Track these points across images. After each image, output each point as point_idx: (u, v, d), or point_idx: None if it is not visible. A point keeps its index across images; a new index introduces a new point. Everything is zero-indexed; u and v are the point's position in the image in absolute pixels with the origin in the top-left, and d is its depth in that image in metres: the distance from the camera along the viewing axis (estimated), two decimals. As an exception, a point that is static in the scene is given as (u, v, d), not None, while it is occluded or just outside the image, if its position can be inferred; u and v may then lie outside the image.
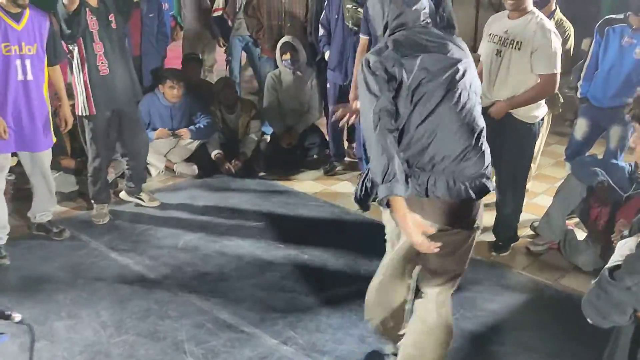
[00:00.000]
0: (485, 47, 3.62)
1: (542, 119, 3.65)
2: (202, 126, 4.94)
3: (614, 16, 4.09)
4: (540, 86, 3.43)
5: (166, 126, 4.92)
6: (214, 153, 5.04)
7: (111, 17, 3.83)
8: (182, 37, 6.27)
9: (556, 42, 3.36)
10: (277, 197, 4.66)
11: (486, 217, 4.01)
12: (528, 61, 3.39)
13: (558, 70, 3.40)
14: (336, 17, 4.67)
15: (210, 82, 5.87)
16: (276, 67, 5.27)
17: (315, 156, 5.35)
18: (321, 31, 4.91)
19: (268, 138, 5.38)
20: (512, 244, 3.91)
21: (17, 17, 3.33)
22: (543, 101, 3.59)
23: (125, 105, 4.00)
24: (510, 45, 3.44)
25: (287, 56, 5.06)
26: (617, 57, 4.01)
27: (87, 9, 3.72)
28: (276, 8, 5.30)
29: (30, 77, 3.42)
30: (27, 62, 3.39)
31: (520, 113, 3.51)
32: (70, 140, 4.40)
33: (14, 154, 3.71)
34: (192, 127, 4.93)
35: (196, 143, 5.01)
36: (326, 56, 4.90)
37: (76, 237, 3.90)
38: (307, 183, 4.95)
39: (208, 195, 4.67)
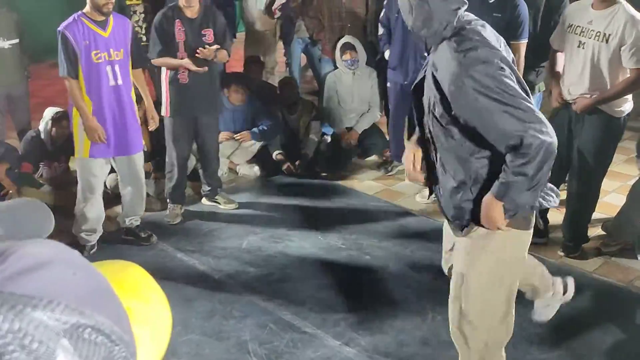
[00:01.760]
0: (565, 39, 3.48)
1: (628, 114, 3.49)
2: (264, 128, 5.00)
3: None
4: (631, 80, 3.28)
5: (229, 129, 5.00)
6: (276, 154, 5.10)
7: (205, 32, 3.94)
8: (244, 40, 6.36)
9: None
10: (338, 197, 4.66)
11: (555, 216, 3.94)
12: (615, 54, 3.24)
13: None
14: (396, 15, 4.62)
15: (272, 84, 5.92)
16: (336, 67, 5.27)
17: (375, 156, 5.33)
18: (381, 30, 4.87)
19: (328, 138, 5.39)
20: (582, 245, 3.77)
21: (103, 25, 3.47)
22: (630, 95, 3.43)
23: (202, 114, 4.12)
24: (596, 38, 3.29)
25: (347, 56, 5.06)
26: None
27: (178, 20, 3.87)
28: (337, 8, 5.31)
29: (120, 81, 3.55)
30: (117, 68, 3.52)
31: (607, 106, 3.37)
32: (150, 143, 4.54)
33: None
34: (254, 129, 5.00)
35: (258, 145, 5.07)
36: (386, 55, 4.86)
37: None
38: (368, 183, 4.94)
39: (270, 196, 4.72)
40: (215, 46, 3.92)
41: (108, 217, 4.23)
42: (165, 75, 4.06)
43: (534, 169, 1.93)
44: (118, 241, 3.95)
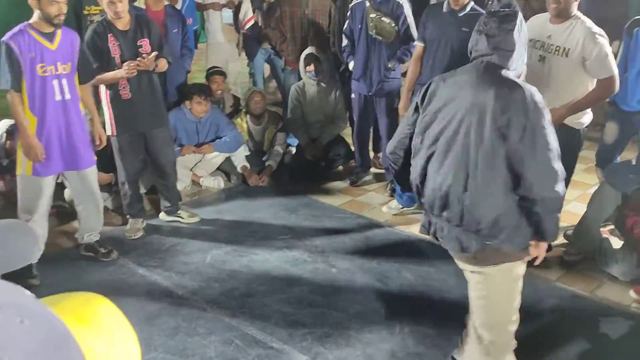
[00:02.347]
0: (528, 54, 3.52)
1: (587, 126, 3.56)
2: (227, 140, 4.94)
3: None
4: (600, 89, 3.36)
5: (193, 141, 4.93)
6: (240, 166, 5.04)
7: (141, 42, 3.83)
8: (206, 51, 6.30)
9: (606, 44, 3.28)
10: (303, 209, 4.63)
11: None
12: (575, 68, 3.31)
13: (616, 70, 3.33)
14: (359, 26, 4.64)
15: (235, 95, 5.88)
16: (300, 78, 5.25)
17: (341, 167, 5.32)
18: (345, 41, 4.88)
19: (293, 150, 5.37)
20: (545, 254, 3.81)
21: (50, 37, 3.33)
22: (590, 108, 3.50)
23: (149, 128, 4.01)
24: (556, 52, 3.35)
25: (311, 67, 5.04)
26: None
27: (111, 34, 3.75)
28: (299, 20, 5.30)
29: (68, 96, 3.42)
30: (64, 82, 3.39)
31: (568, 118, 3.43)
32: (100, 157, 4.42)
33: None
34: (217, 140, 4.93)
35: (222, 157, 5.01)
36: (350, 66, 4.87)
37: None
38: (334, 195, 4.91)
39: (234, 208, 4.66)
40: (154, 53, 3.82)
41: (66, 232, 4.12)
42: (105, 93, 3.90)
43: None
44: (77, 257, 3.83)
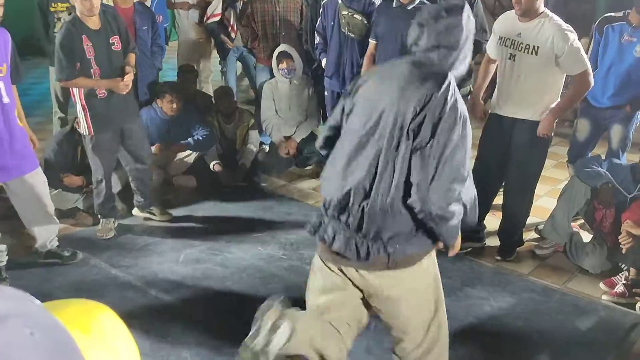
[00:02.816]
0: (497, 51, 3.57)
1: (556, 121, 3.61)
2: (199, 138, 4.89)
3: (612, 14, 4.06)
4: (578, 85, 3.40)
5: (164, 140, 4.87)
6: (213, 164, 5.00)
7: (113, 39, 3.77)
8: (177, 49, 6.23)
9: (576, 38, 3.33)
10: (277, 207, 4.61)
11: (491, 221, 4.03)
12: (546, 66, 3.34)
13: (589, 64, 3.38)
14: (332, 23, 4.64)
15: (207, 93, 5.82)
16: (272, 76, 5.23)
17: (314, 165, 5.31)
18: (317, 39, 4.88)
19: (267, 148, 5.34)
20: (517, 249, 3.87)
21: None
22: (572, 106, 3.58)
23: (125, 124, 3.96)
24: (526, 50, 3.37)
25: (284, 65, 5.02)
26: (616, 56, 3.98)
27: (84, 35, 3.64)
28: (271, 17, 5.27)
29: (6, 99, 3.22)
30: (1, 85, 3.19)
31: (535, 115, 3.46)
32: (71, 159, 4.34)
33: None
34: (189, 139, 4.89)
35: (194, 155, 4.97)
36: (323, 64, 4.86)
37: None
38: (307, 192, 4.91)
39: (207, 207, 4.62)
40: (130, 70, 3.81)
41: (27, 234, 4.02)
42: (79, 92, 3.78)
43: None
44: (43, 264, 3.71)
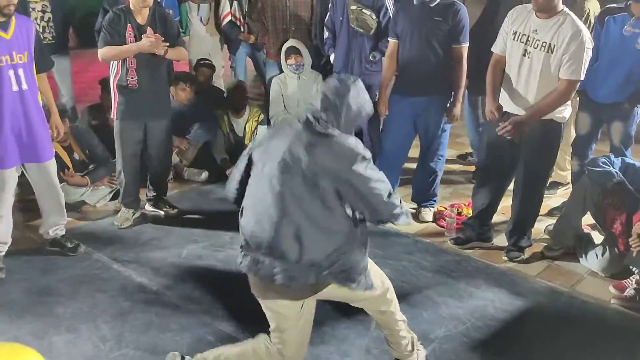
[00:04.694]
0: (510, 46, 3.46)
1: (567, 120, 3.52)
2: (199, 130, 5.04)
3: (614, 5, 3.95)
4: (561, 92, 3.27)
5: (175, 128, 4.88)
6: (221, 159, 4.99)
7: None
8: (189, 43, 6.21)
9: (589, 47, 3.22)
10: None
11: (500, 222, 3.95)
12: (558, 66, 3.24)
13: (582, 77, 3.27)
14: (341, 19, 4.58)
15: (219, 87, 5.82)
16: (282, 71, 5.18)
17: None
18: (326, 34, 4.83)
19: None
20: (525, 249, 3.78)
21: (4, 26, 3.23)
22: (569, 101, 3.44)
23: (151, 120, 4.03)
24: (542, 48, 3.27)
25: (292, 60, 4.98)
26: (618, 48, 3.86)
27: (129, 24, 3.75)
28: (281, 12, 5.22)
29: (25, 86, 3.32)
30: (21, 72, 3.30)
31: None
32: (68, 154, 4.36)
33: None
34: (191, 133, 5.03)
35: (198, 146, 5.10)
36: (331, 59, 4.81)
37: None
38: (315, 189, 4.85)
39: (213, 202, 4.59)
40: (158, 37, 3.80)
41: (31, 227, 4.03)
42: (114, 80, 3.92)
43: None
44: (49, 252, 3.74)
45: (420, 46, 3.92)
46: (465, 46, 3.95)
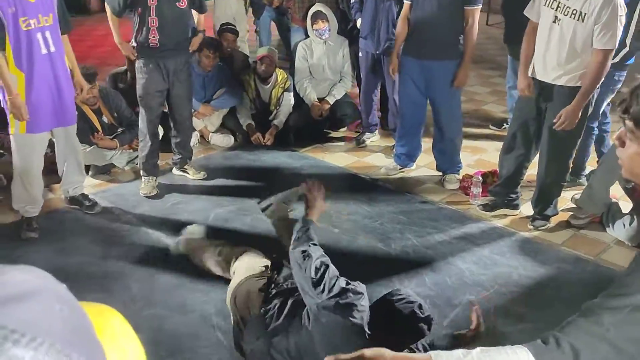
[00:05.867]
0: (541, 12, 3.38)
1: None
2: (224, 97, 5.01)
3: None
4: (597, 64, 3.18)
5: (199, 95, 4.92)
6: (245, 124, 5.01)
7: None
8: (214, 8, 6.19)
9: (622, 14, 3.12)
10: (308, 169, 4.59)
11: (527, 191, 3.93)
12: (589, 34, 3.17)
13: (616, 46, 3.19)
14: (368, -17, 4.52)
15: (244, 52, 5.81)
16: (307, 36, 5.15)
17: (346, 127, 5.26)
18: (353, -2, 4.77)
19: (300, 109, 5.29)
20: (551, 217, 3.77)
21: None
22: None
23: (174, 80, 4.00)
24: (572, 15, 3.19)
25: (318, 25, 4.93)
26: None
27: None
28: (307, -25, 5.17)
29: (53, 48, 3.35)
30: (48, 34, 3.32)
31: (574, 81, 3.30)
32: (97, 117, 4.40)
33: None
34: (212, 102, 5.02)
35: (224, 111, 5.11)
36: (358, 24, 4.76)
37: (109, 210, 3.92)
38: (339, 155, 4.86)
39: (240, 167, 4.63)
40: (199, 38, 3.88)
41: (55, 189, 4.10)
42: (134, 36, 3.89)
43: None
44: (80, 216, 3.83)
45: (432, 7, 3.87)
46: (477, 8, 3.91)
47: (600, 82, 3.27)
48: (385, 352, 1.15)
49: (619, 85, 3.84)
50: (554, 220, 3.79)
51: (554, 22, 3.28)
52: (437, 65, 4.00)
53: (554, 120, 3.35)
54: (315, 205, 2.44)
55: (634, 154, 1.15)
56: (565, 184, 3.77)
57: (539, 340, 1.15)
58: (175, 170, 4.43)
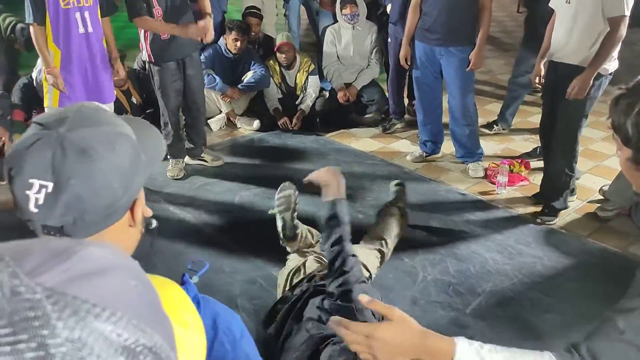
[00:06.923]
0: None
1: (611, 74, 3.37)
2: (252, 80, 4.98)
3: None
4: (612, 33, 3.17)
5: (227, 77, 4.95)
6: (272, 108, 5.03)
7: None
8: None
9: None
10: (333, 154, 4.60)
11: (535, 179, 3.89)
12: (598, 6, 3.16)
13: (629, 12, 3.15)
14: (399, -32, 4.48)
15: (271, 35, 5.81)
16: (336, 21, 5.13)
17: (374, 113, 5.25)
18: (383, -17, 4.73)
19: (327, 94, 5.30)
20: (560, 211, 3.69)
21: None
22: (616, 54, 3.32)
23: (187, 67, 3.97)
24: None
25: (347, 10, 4.91)
26: None
27: None
28: (337, -41, 5.13)
29: (90, 29, 3.44)
30: (87, 14, 3.41)
31: (587, 61, 3.26)
32: (126, 98, 4.47)
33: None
34: (240, 85, 4.99)
35: (251, 94, 5.14)
36: (388, 9, 4.73)
37: (136, 190, 3.98)
38: (365, 141, 4.87)
39: (266, 150, 4.66)
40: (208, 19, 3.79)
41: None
42: (145, 34, 3.82)
43: None
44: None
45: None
46: None
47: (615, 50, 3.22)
48: (413, 321, 1.17)
49: None
50: (580, 212, 3.75)
51: (567, 2, 3.28)
52: (451, 51, 3.98)
53: (568, 90, 3.31)
54: (329, 185, 2.41)
55: (624, 160, 1.19)
56: (574, 175, 3.67)
57: (562, 350, 1.17)
58: (188, 160, 4.34)
